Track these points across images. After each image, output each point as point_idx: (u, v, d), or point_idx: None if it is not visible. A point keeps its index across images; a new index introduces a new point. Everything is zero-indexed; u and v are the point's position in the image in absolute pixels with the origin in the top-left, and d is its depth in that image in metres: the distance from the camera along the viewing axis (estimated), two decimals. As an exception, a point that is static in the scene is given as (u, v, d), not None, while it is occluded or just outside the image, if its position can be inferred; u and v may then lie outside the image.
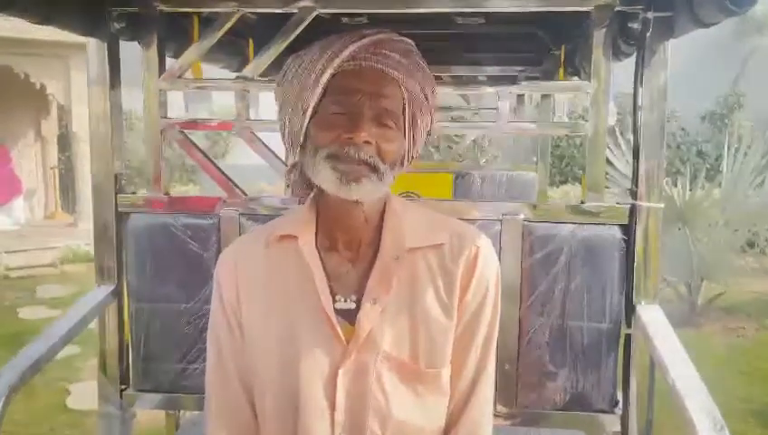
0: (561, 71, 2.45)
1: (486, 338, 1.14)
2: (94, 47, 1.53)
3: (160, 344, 1.58)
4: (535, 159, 3.23)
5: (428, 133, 1.15)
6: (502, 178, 3.12)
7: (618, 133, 6.30)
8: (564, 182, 10.65)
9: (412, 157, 1.14)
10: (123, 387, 1.62)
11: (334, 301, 1.09)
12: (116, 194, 1.56)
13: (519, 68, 3.22)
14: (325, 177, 1.02)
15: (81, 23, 1.45)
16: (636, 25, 1.42)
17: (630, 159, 1.53)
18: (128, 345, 1.62)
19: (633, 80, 1.44)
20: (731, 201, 6.36)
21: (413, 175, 2.97)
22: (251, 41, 2.32)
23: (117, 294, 1.58)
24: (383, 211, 1.13)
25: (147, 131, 1.54)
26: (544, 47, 2.72)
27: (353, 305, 1.09)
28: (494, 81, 3.31)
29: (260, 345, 1.11)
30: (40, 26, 1.33)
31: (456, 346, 1.11)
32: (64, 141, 10.24)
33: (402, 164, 1.11)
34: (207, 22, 1.65)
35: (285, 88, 1.09)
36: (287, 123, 1.09)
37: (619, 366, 1.51)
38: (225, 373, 1.14)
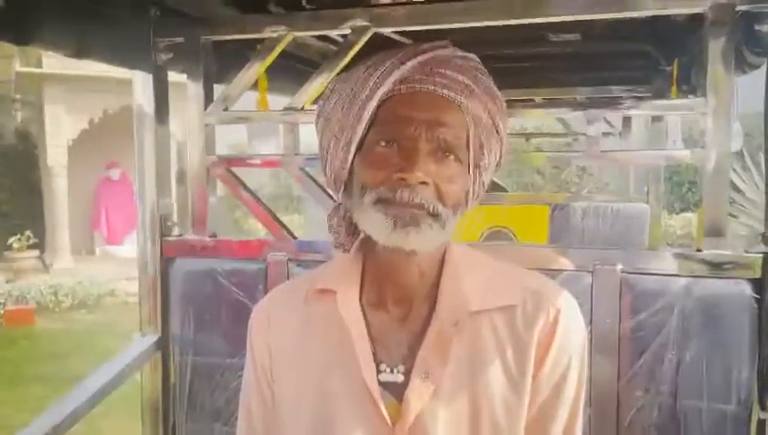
0: (674, 89, 2.12)
1: (567, 425, 0.90)
2: (140, 79, 1.44)
3: (205, 402, 1.43)
4: (646, 188, 2.86)
5: (498, 165, 0.93)
6: (607, 210, 2.77)
7: (746, 155, 5.63)
8: (685, 210, 9.83)
9: (478, 194, 0.92)
10: None
11: (378, 370, 0.89)
12: (161, 237, 1.45)
13: (624, 88, 2.90)
14: (374, 222, 0.84)
15: (124, 55, 1.36)
16: (765, 28, 1.13)
17: (762, 186, 1.21)
18: (174, 401, 1.50)
19: (765, 95, 1.13)
20: None
21: (503, 207, 2.71)
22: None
23: (161, 345, 1.46)
24: (442, 262, 0.92)
25: (191, 169, 1.43)
26: (653, 63, 2.41)
27: (401, 378, 0.89)
28: (596, 103, 3.01)
29: (291, 419, 0.93)
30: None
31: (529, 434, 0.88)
32: (181, 175, 10.83)
33: (467, 204, 0.90)
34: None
35: (327, 116, 0.92)
36: (329, 158, 0.92)
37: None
38: None
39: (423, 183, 0.82)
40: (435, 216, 0.83)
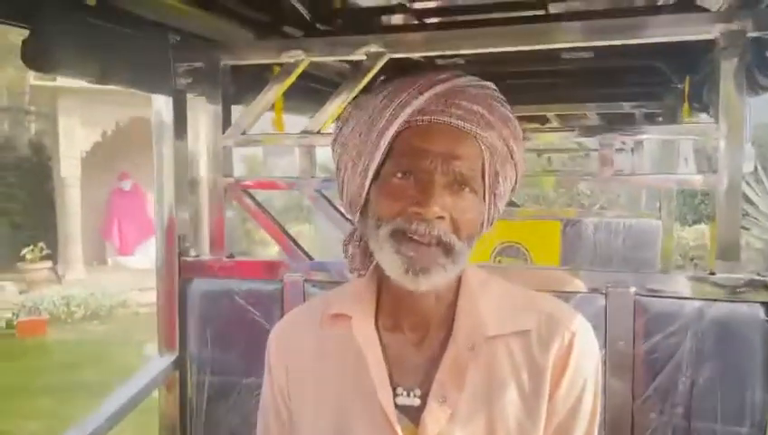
0: (686, 106, 2.13)
1: None
2: (161, 100, 1.47)
3: (222, 421, 1.45)
4: (658, 203, 2.86)
5: (513, 190, 0.95)
6: (619, 226, 2.76)
7: (758, 166, 5.59)
8: (698, 222, 9.78)
9: (493, 220, 0.93)
10: None
11: (395, 394, 0.90)
12: (179, 257, 1.47)
13: (636, 104, 2.91)
14: (388, 261, 0.86)
15: (145, 80, 1.39)
16: (777, 53, 1.14)
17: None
18: (191, 420, 1.51)
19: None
20: None
21: (515, 223, 2.72)
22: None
23: (179, 364, 1.48)
24: (458, 285, 0.93)
25: (209, 190, 1.45)
26: (665, 80, 2.42)
27: (417, 401, 0.90)
28: (607, 119, 3.01)
29: None
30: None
31: None
32: (194, 185, 10.93)
33: (481, 231, 0.92)
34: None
35: (344, 141, 0.93)
36: (345, 180, 0.93)
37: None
38: None
39: (439, 218, 0.83)
40: (449, 250, 0.84)
